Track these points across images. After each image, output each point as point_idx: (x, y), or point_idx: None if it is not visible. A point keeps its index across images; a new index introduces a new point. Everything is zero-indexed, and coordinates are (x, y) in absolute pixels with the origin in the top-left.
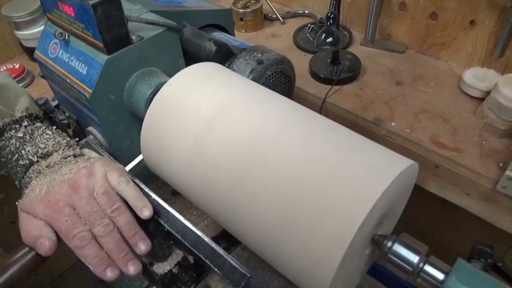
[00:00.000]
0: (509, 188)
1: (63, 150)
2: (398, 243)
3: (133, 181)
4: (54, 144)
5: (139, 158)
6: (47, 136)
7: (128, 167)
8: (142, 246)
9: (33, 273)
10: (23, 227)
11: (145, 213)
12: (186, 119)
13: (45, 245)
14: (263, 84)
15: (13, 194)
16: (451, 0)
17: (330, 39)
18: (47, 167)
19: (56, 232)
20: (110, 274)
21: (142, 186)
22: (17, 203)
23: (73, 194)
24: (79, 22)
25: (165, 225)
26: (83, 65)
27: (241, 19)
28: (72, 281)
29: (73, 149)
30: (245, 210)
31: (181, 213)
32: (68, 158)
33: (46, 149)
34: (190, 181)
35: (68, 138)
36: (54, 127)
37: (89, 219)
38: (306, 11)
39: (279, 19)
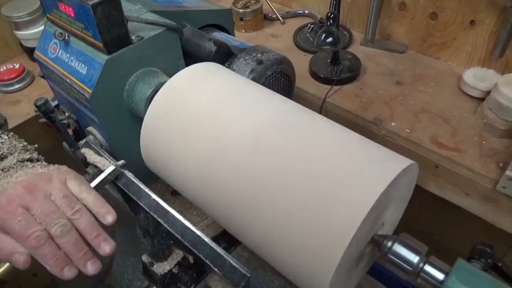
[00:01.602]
0: (509, 188)
1: (18, 153)
2: (398, 243)
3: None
4: (9, 148)
5: (109, 169)
6: (2, 140)
7: (99, 179)
8: (107, 247)
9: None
10: None
11: (109, 219)
12: (186, 118)
13: (20, 260)
14: (263, 84)
15: None
16: (451, 0)
17: (330, 39)
18: (2, 170)
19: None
20: (67, 273)
21: (143, 186)
22: None
23: (27, 196)
24: (79, 22)
25: (165, 225)
26: (83, 65)
27: (241, 19)
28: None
29: (30, 153)
30: (245, 210)
31: (181, 213)
32: (25, 162)
33: (0, 152)
34: (190, 181)
35: (25, 143)
36: (11, 133)
37: (45, 219)
38: (306, 11)
39: (279, 19)
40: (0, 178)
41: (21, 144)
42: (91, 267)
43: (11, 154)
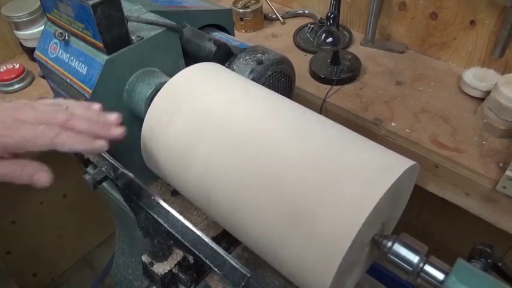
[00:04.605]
0: (509, 188)
1: None
2: (398, 243)
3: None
4: None
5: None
6: None
7: None
8: (117, 130)
9: None
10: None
11: (111, 116)
12: (186, 118)
13: (44, 176)
14: (263, 84)
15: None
16: (451, 0)
17: (330, 39)
18: None
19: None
20: (98, 143)
21: (143, 186)
22: None
23: (16, 112)
24: (79, 22)
25: (165, 225)
26: (83, 65)
27: (241, 19)
28: (72, 281)
29: None
30: (245, 210)
31: (181, 213)
32: None
33: None
34: (190, 181)
35: None
36: None
37: (45, 116)
38: (306, 11)
39: (279, 19)
40: None
41: None
42: (116, 131)
43: None
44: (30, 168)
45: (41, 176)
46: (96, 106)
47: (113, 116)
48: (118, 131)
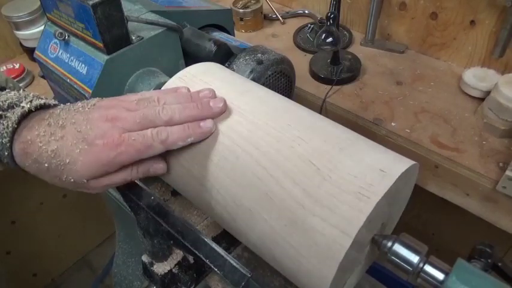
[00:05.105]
0: (509, 188)
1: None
2: (398, 243)
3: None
4: (19, 97)
5: None
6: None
7: None
8: (216, 104)
9: None
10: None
11: (219, 102)
12: None
13: (160, 167)
14: (263, 84)
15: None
16: (451, 0)
17: (330, 39)
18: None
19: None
20: (206, 124)
21: (143, 186)
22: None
23: (117, 122)
24: (79, 22)
25: (165, 225)
26: (83, 65)
27: (241, 19)
28: (72, 281)
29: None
30: (245, 210)
31: (181, 213)
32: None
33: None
34: (190, 181)
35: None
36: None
37: (148, 122)
38: (306, 11)
39: (279, 19)
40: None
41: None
42: (218, 104)
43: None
44: (142, 167)
45: (156, 167)
46: (183, 88)
47: (205, 91)
48: (220, 103)
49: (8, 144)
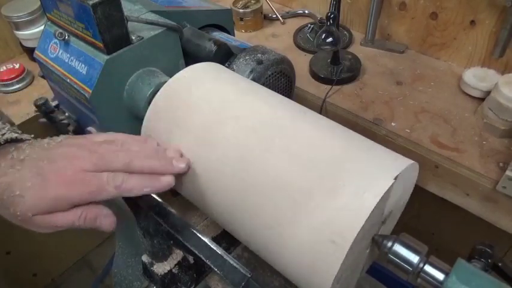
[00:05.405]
0: (509, 188)
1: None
2: (398, 243)
3: None
4: None
5: None
6: None
7: None
8: (179, 163)
9: None
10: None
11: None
12: (185, 118)
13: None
14: (263, 84)
15: None
16: (451, 0)
17: (330, 39)
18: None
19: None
20: (165, 179)
21: None
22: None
23: (75, 161)
24: (79, 22)
25: (165, 225)
26: (83, 65)
27: (241, 19)
28: (72, 281)
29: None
30: (246, 210)
31: (181, 213)
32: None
33: None
34: (190, 181)
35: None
36: None
37: (105, 163)
38: (306, 11)
39: (279, 19)
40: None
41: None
42: (181, 164)
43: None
44: (91, 214)
45: (102, 222)
46: (152, 141)
47: (171, 150)
48: (182, 164)
49: None
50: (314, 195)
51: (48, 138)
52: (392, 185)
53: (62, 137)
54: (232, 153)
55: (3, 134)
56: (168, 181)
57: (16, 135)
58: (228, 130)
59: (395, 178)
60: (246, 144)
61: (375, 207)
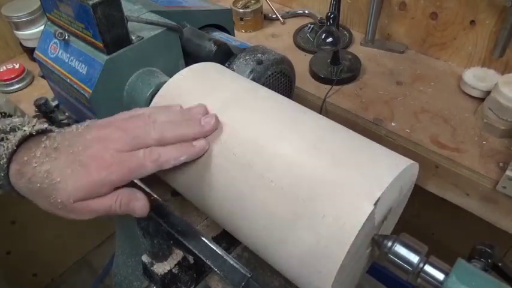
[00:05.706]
0: (509, 188)
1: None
2: (398, 243)
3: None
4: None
5: None
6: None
7: None
8: (208, 121)
9: None
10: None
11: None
12: None
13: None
14: (263, 84)
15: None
16: (451, 0)
17: (330, 39)
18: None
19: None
20: (198, 144)
21: (143, 186)
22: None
23: (109, 143)
24: (79, 22)
25: (165, 225)
26: (83, 65)
27: (241, 19)
28: (72, 281)
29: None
30: (246, 209)
31: (181, 213)
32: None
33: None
34: (190, 181)
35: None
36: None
37: (138, 141)
38: (306, 11)
39: (279, 19)
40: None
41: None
42: (209, 121)
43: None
44: (126, 198)
45: (135, 205)
46: (175, 106)
47: (197, 107)
48: (211, 121)
49: (5, 166)
50: (313, 196)
51: (75, 125)
52: (391, 185)
53: (87, 121)
54: (234, 159)
55: (34, 125)
56: (201, 146)
57: (46, 126)
58: (228, 135)
59: (395, 178)
60: (247, 149)
61: (374, 207)
